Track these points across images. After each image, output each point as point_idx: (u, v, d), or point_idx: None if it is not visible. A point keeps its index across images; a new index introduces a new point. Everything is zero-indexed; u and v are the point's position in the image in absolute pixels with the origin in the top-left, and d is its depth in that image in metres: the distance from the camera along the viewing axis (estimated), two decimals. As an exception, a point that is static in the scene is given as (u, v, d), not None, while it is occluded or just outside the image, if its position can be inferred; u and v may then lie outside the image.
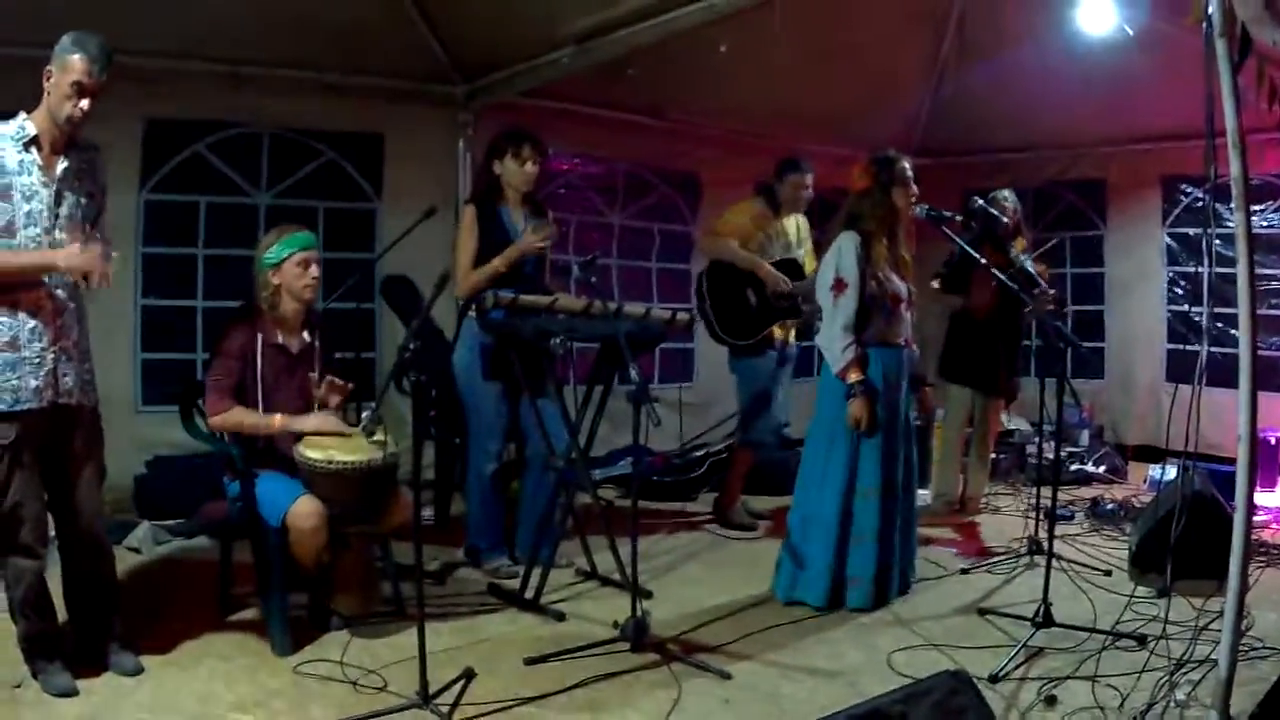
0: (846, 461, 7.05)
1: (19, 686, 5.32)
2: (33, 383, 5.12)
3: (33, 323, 5.13)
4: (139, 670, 5.59)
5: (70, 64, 5.01)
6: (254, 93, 9.25)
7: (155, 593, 7.10)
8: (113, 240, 5.37)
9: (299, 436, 6.14)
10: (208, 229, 9.37)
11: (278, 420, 6.19)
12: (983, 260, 7.28)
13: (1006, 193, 9.25)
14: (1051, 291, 8.90)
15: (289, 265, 6.22)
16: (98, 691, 5.35)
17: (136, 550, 7.88)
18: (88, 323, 5.46)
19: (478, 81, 10.09)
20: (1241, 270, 4.88)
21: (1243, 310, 4.88)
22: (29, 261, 5.05)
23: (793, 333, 9.31)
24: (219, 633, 6.30)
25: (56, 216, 5.16)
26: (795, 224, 9.34)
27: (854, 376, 6.91)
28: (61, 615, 5.57)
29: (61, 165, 5.19)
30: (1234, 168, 4.82)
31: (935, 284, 9.27)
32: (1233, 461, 4.93)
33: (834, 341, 6.96)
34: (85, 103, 5.06)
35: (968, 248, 7.39)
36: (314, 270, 6.29)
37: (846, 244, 7.01)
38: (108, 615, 5.65)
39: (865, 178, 7.12)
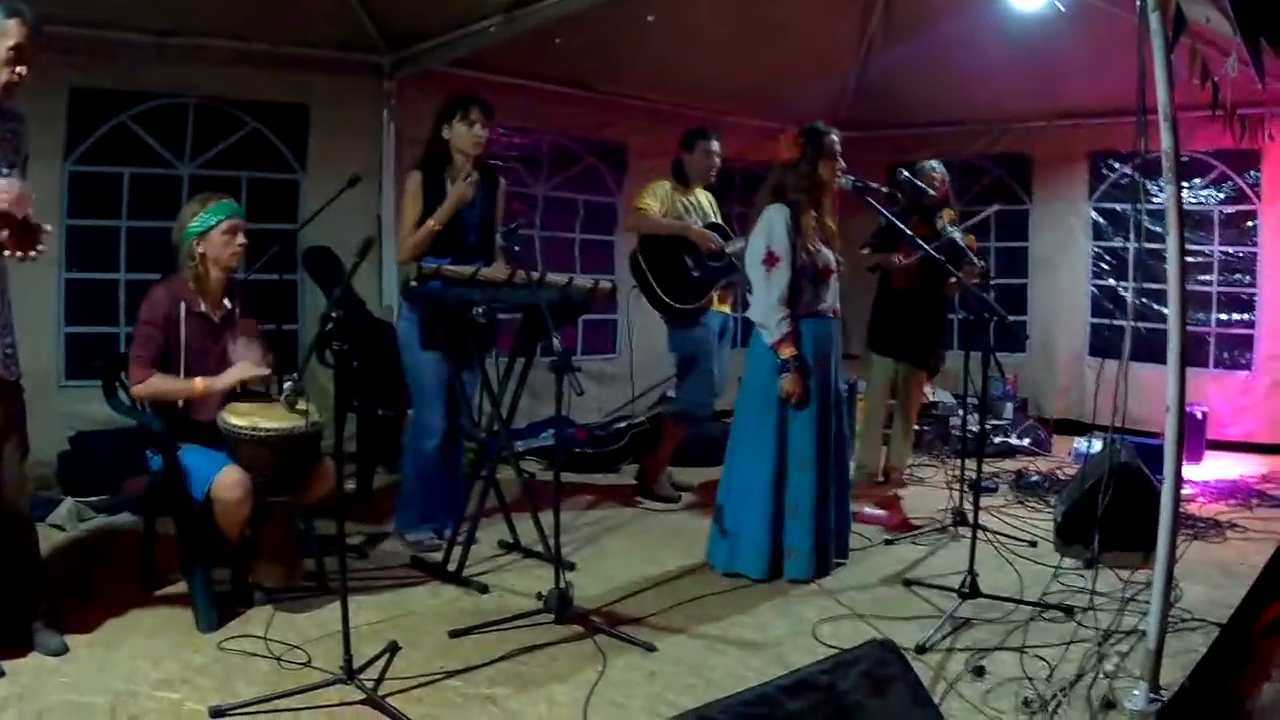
0: (776, 433, 7.07)
1: (-58, 667, 5.25)
2: (-47, 357, 5.03)
3: (-47, 296, 5.04)
4: (64, 649, 5.51)
5: (7, 29, 4.92)
6: (179, 63, 9.14)
7: (79, 570, 7.03)
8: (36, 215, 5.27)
9: (223, 404, 6.10)
10: (131, 201, 9.28)
11: (199, 383, 6.11)
12: (909, 232, 7.28)
13: (934, 163, 9.24)
14: (980, 263, 8.94)
15: (215, 234, 6.15)
16: (23, 671, 5.28)
17: (60, 527, 7.78)
18: (9, 295, 5.37)
19: (403, 51, 10.04)
20: (1171, 244, 4.88)
21: (1172, 284, 4.89)
22: None
23: (728, 304, 9.31)
24: (144, 609, 6.23)
25: (-21, 185, 5.06)
26: (706, 198, 9.34)
27: (788, 352, 6.93)
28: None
29: (-15, 134, 5.10)
30: (1165, 141, 4.82)
31: (865, 251, 9.26)
32: (1156, 435, 4.95)
33: (769, 314, 6.96)
34: (23, 69, 4.99)
35: (894, 219, 7.37)
36: (240, 238, 6.24)
37: (776, 217, 7.01)
38: (32, 594, 5.57)
39: (793, 149, 7.11)
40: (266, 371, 6.32)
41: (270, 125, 9.95)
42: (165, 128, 9.38)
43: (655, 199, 8.92)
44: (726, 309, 9.29)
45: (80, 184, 9.00)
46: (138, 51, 8.90)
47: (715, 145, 9.11)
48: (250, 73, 9.56)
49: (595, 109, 11.97)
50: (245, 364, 6.25)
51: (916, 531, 8.33)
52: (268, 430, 5.89)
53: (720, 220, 9.30)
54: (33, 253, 4.95)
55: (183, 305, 6.15)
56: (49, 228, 5.02)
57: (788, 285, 6.95)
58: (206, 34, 9.10)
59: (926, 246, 7.19)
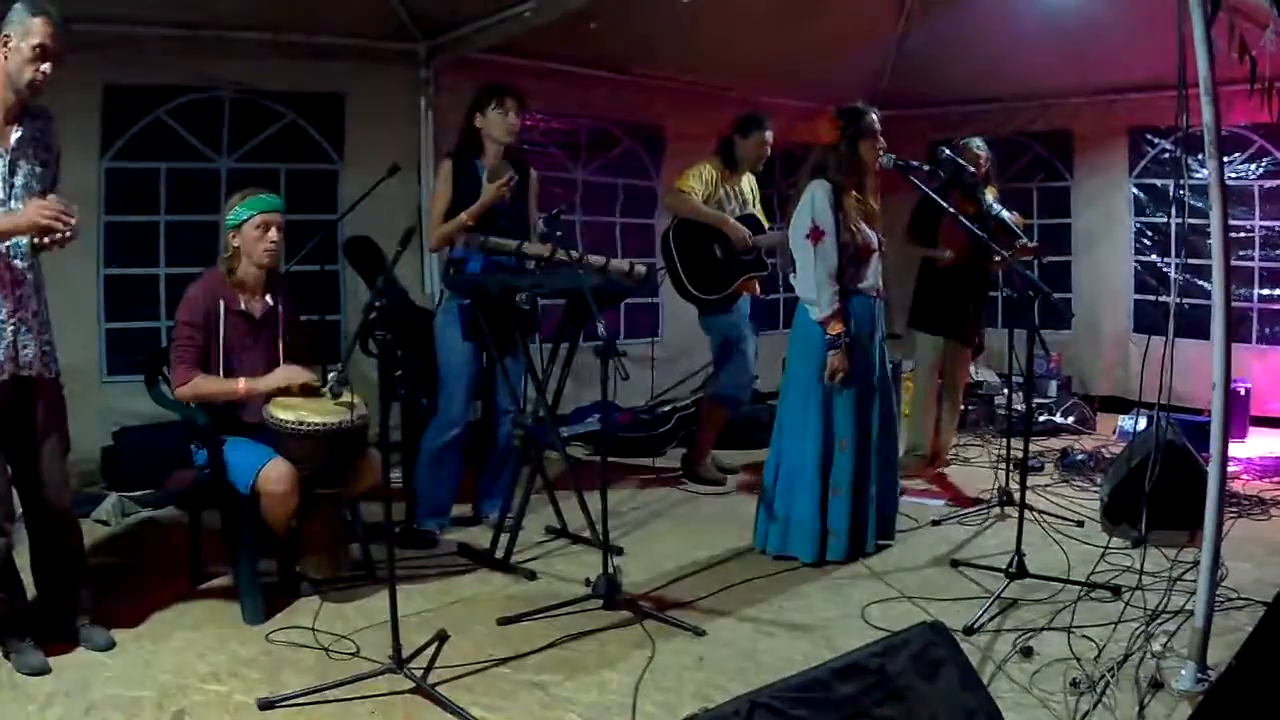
0: (821, 413, 7.07)
1: (-10, 666, 5.28)
2: (-8, 356, 5.05)
3: (-10, 295, 5.06)
4: (110, 645, 5.54)
5: (32, 27, 4.92)
6: (213, 56, 9.13)
7: (125, 565, 7.06)
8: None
9: (268, 398, 6.09)
10: (169, 195, 9.28)
11: (242, 384, 6.11)
12: (951, 209, 7.25)
13: (978, 141, 9.19)
14: (1032, 244, 8.91)
15: (248, 228, 6.14)
16: (70, 668, 5.31)
17: (104, 523, 7.80)
18: (46, 293, 5.37)
19: (439, 38, 10.00)
20: (1215, 219, 4.86)
21: (1216, 259, 4.87)
22: None
23: (757, 284, 9.28)
24: (190, 603, 6.26)
25: (11, 186, 5.06)
26: (748, 183, 9.30)
27: (836, 328, 6.93)
28: (30, 592, 5.51)
29: (15, 134, 5.09)
30: (1206, 116, 4.80)
31: (909, 241, 9.23)
32: (1200, 412, 4.92)
33: (820, 289, 6.95)
34: (48, 66, 4.99)
35: (935, 196, 7.34)
36: (273, 234, 6.20)
37: (819, 192, 6.99)
38: (77, 589, 5.61)
39: (832, 130, 7.09)
40: (312, 378, 6.29)
41: (307, 116, 9.94)
42: (201, 122, 9.38)
43: (699, 182, 8.86)
44: (756, 290, 9.26)
45: (117, 180, 9.00)
46: (170, 46, 8.89)
47: (769, 135, 9.06)
48: (285, 64, 9.55)
49: (632, 92, 11.92)
50: (289, 368, 6.26)
51: (963, 511, 8.33)
52: (314, 424, 5.89)
53: (759, 207, 9.30)
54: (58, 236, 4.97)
55: (221, 303, 6.15)
56: (74, 220, 5.02)
57: (837, 260, 6.94)
58: (239, 27, 9.07)
59: (970, 225, 7.16)
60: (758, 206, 9.29)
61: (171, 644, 5.65)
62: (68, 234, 4.96)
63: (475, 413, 8.10)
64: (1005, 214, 8.55)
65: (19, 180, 5.09)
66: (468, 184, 7.48)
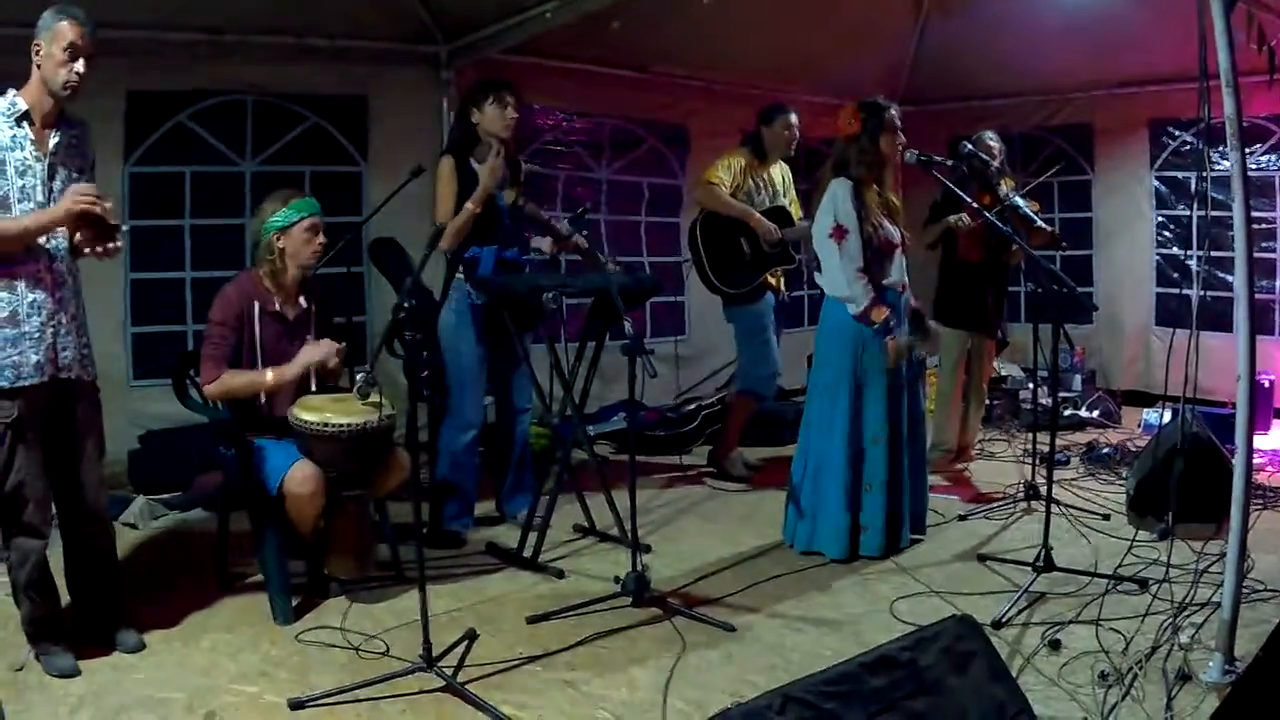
0: (850, 409, 7.06)
1: (21, 669, 5.30)
2: (33, 358, 5.08)
3: (32, 296, 5.08)
4: (141, 647, 5.57)
5: (61, 30, 4.97)
6: (235, 60, 9.16)
7: (154, 568, 7.08)
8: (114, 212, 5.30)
9: (294, 399, 6.11)
10: (193, 199, 9.29)
11: (270, 375, 6.12)
12: (974, 204, 7.25)
13: (990, 134, 9.18)
14: (1050, 228, 8.90)
15: (297, 231, 6.15)
16: (100, 670, 5.33)
17: (133, 526, 7.82)
18: (82, 297, 5.41)
19: (460, 40, 10.01)
20: (1238, 211, 4.85)
21: (1239, 252, 4.86)
22: (32, 223, 4.99)
23: (783, 281, 9.29)
24: (219, 604, 6.29)
25: (50, 191, 5.10)
26: (780, 172, 9.32)
27: (880, 315, 6.94)
28: (63, 595, 5.53)
29: (53, 140, 5.14)
30: (1228, 108, 4.80)
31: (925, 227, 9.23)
32: (1224, 405, 4.91)
33: (851, 284, 6.95)
34: (80, 64, 5.03)
35: (957, 189, 7.35)
36: (320, 237, 6.24)
37: (840, 190, 7.00)
38: (110, 592, 5.63)
39: (853, 124, 7.09)
40: (334, 356, 6.29)
41: (330, 119, 9.95)
42: (225, 125, 9.40)
43: (728, 173, 8.89)
44: (782, 285, 9.29)
45: (142, 184, 9.02)
46: (192, 51, 8.92)
47: (794, 119, 9.08)
48: (307, 67, 9.58)
49: (654, 90, 11.92)
50: (310, 346, 6.26)
51: (990, 506, 8.33)
52: (339, 426, 5.90)
53: (793, 197, 9.33)
54: (109, 245, 5.03)
55: (256, 304, 6.17)
56: (125, 227, 5.09)
57: (861, 255, 6.95)
58: (260, 31, 9.11)
59: (989, 215, 7.17)
60: (790, 194, 9.32)
61: (201, 645, 5.67)
62: (112, 245, 5.03)
63: (489, 414, 8.12)
64: (1022, 203, 8.55)
65: (57, 185, 5.13)
66: (468, 180, 7.47)
